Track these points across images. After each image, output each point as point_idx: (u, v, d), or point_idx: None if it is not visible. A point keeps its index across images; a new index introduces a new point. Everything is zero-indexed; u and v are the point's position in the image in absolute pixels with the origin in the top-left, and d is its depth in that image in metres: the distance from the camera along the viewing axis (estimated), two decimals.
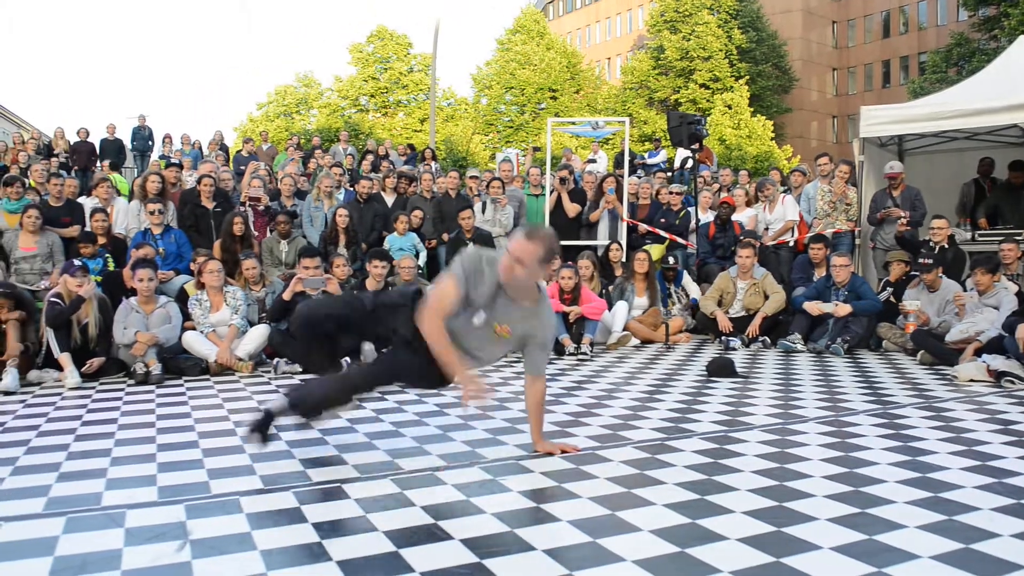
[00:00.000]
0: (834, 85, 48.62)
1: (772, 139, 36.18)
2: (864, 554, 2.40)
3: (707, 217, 9.87)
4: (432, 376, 3.48)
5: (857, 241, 9.26)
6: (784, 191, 10.13)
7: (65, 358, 5.79)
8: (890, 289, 7.76)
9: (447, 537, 2.60)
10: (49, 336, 5.89)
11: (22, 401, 5.28)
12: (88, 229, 7.81)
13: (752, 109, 36.76)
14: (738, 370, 5.98)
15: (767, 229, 9.58)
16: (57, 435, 4.22)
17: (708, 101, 37.45)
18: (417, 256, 8.58)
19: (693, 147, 10.06)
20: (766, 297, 7.84)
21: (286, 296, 6.48)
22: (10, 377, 5.55)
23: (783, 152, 35.83)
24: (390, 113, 38.11)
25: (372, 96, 38.02)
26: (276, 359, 6.34)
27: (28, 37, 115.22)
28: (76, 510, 2.94)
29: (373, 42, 38.37)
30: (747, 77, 38.25)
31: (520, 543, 2.54)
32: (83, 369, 5.87)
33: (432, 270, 9.22)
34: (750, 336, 7.66)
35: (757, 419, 4.40)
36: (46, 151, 15.12)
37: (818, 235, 8.60)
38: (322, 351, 3.67)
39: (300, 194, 10.01)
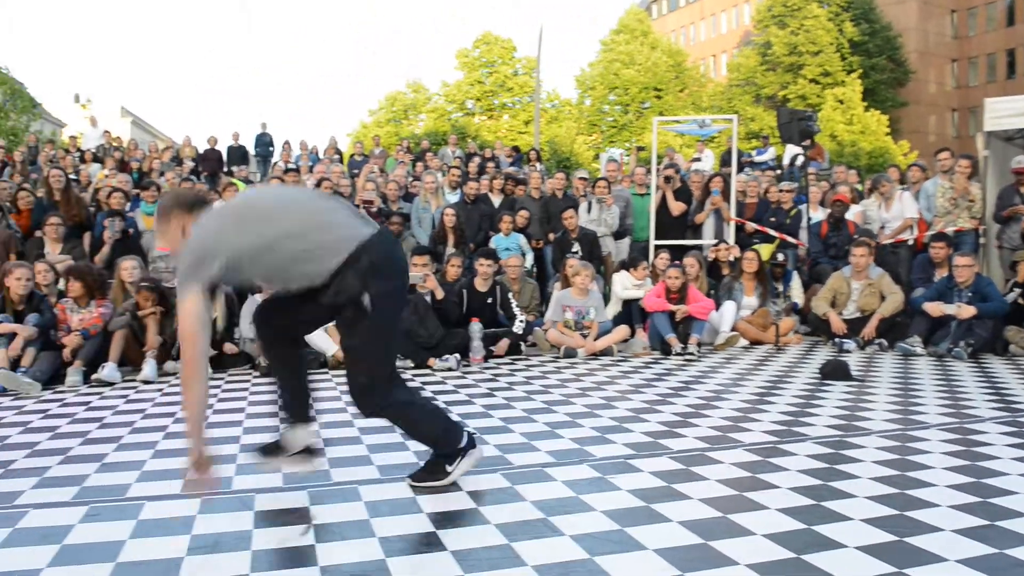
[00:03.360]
0: (954, 77, 46.00)
1: (887, 134, 34.64)
2: (994, 569, 2.30)
3: (819, 215, 9.57)
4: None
5: (981, 240, 8.77)
6: (903, 188, 9.71)
7: None
8: (1018, 290, 7.31)
9: (559, 532, 2.64)
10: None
11: (159, 390, 5.67)
12: None
13: (866, 104, 35.29)
14: (853, 373, 5.78)
15: (883, 228, 9.22)
16: None
17: (818, 96, 36.20)
18: (523, 256, 8.66)
19: (804, 144, 9.79)
20: (883, 298, 7.54)
21: None
22: (149, 368, 6.00)
23: (899, 147, 34.25)
24: (495, 116, 38.51)
25: (478, 100, 38.52)
26: None
27: (160, 54, 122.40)
28: (211, 492, 3.13)
29: (479, 47, 38.88)
30: (860, 71, 36.74)
31: (631, 541, 2.56)
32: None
33: (539, 270, 9.30)
34: (866, 338, 7.39)
35: (875, 424, 4.25)
36: (178, 159, 16.06)
37: (939, 233, 8.21)
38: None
39: (409, 196, 10.28)
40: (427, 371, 6.35)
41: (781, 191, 9.69)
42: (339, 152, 16.72)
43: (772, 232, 9.27)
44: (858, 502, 2.91)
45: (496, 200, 10.22)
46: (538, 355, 7.26)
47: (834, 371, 5.73)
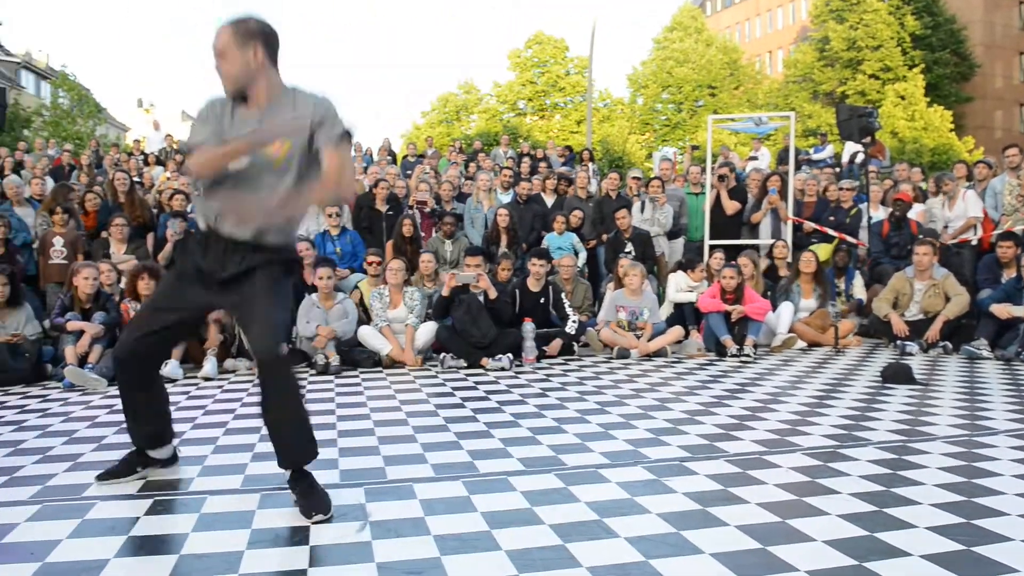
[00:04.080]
0: (1022, 70, 44.31)
1: (951, 130, 33.58)
2: None
3: (880, 214, 9.34)
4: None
5: None
6: (968, 186, 9.42)
7: None
8: None
9: (613, 534, 2.63)
10: (240, 329, 6.45)
11: (220, 387, 5.81)
12: None
13: (928, 99, 34.28)
14: (916, 377, 5.62)
15: (947, 227, 8.96)
16: (250, 418, 4.59)
17: (878, 92, 35.29)
18: (576, 256, 8.63)
19: (864, 141, 9.57)
20: (947, 299, 7.32)
21: (444, 293, 6.77)
22: (210, 365, 6.16)
23: (964, 144, 33.18)
24: (547, 116, 38.48)
25: (530, 100, 38.54)
26: (443, 354, 6.60)
27: None
28: (269, 488, 3.20)
29: (531, 47, 38.90)
30: (922, 65, 35.70)
31: (687, 545, 2.53)
32: None
33: (591, 269, 9.27)
34: (929, 341, 7.18)
35: (940, 429, 4.13)
36: None
37: (1007, 232, 7.93)
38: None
39: (462, 197, 10.34)
40: (480, 371, 6.37)
41: (841, 189, 9.47)
42: (392, 153, 16.89)
43: (831, 232, 9.07)
44: (923, 509, 2.83)
45: (549, 200, 10.21)
46: (591, 355, 7.24)
47: (896, 375, 5.58)
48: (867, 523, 2.69)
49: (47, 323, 6.55)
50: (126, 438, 4.12)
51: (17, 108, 23.92)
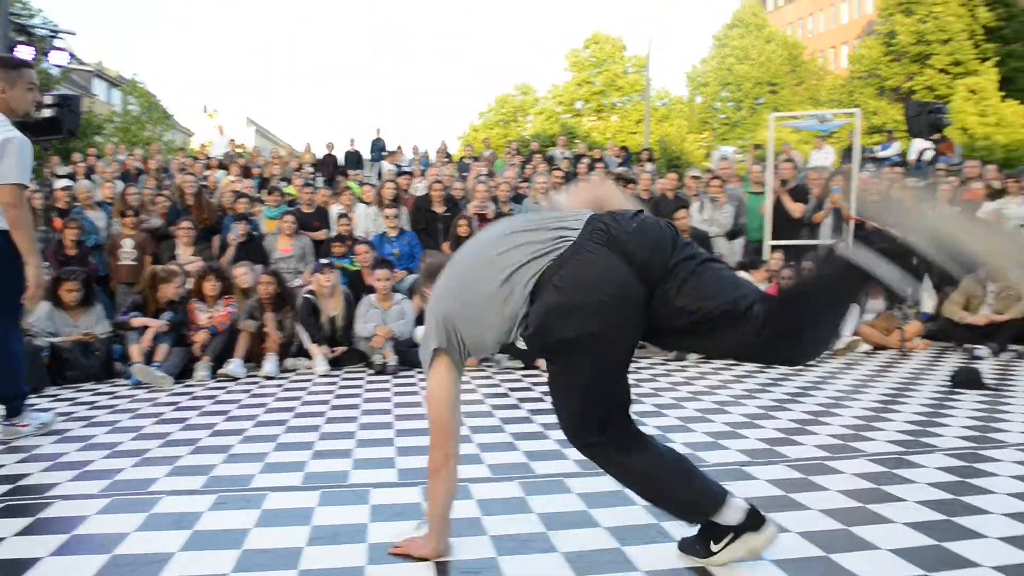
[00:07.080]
0: None
1: None
2: None
3: None
4: None
5: None
6: None
7: (315, 348, 6.43)
8: None
9: (671, 538, 2.60)
10: (300, 329, 6.58)
11: (280, 385, 5.92)
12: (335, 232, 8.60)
13: (1003, 94, 33.05)
14: (986, 382, 5.42)
15: (1022, 226, 8.61)
16: (310, 416, 4.69)
17: (948, 87, 34.16)
18: None
19: (934, 137, 9.30)
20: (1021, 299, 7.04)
21: None
22: (271, 364, 6.30)
23: None
24: (605, 116, 38.28)
25: (587, 100, 38.40)
26: (499, 355, 6.61)
27: (280, 66, 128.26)
28: (328, 485, 3.26)
29: (589, 47, 38.78)
30: (995, 59, 34.44)
31: None
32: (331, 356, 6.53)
33: None
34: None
35: (1012, 436, 3.98)
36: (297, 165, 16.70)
37: None
38: None
39: (519, 198, 10.34)
40: (536, 372, 6.33)
41: (906, 188, 9.19)
42: (448, 155, 16.99)
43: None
44: (994, 519, 2.73)
45: None
46: (647, 357, 7.12)
47: (967, 380, 5.38)
48: (935, 532, 2.61)
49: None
50: (190, 435, 4.26)
51: (90, 115, 24.73)
